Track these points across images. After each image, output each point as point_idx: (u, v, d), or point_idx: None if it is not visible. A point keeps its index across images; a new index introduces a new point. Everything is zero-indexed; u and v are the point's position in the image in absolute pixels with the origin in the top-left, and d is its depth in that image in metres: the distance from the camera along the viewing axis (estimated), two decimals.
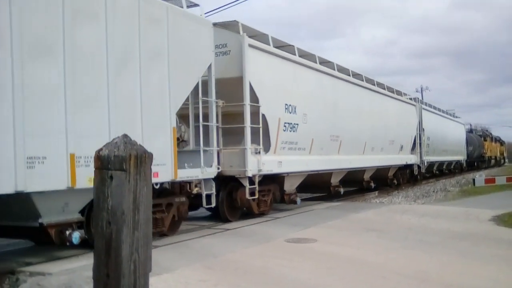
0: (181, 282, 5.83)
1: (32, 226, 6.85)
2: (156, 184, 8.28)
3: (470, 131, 49.47)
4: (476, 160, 47.75)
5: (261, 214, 12.03)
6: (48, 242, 7.26)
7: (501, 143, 70.96)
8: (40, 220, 6.76)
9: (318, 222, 10.91)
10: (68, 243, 7.08)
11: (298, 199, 13.59)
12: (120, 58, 7.64)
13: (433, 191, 22.08)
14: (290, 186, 13.34)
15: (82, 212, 7.35)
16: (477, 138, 49.77)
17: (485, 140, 54.08)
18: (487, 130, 65.69)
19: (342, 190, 16.89)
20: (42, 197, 6.64)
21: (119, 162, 2.61)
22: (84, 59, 7.06)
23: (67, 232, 7.05)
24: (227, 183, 11.24)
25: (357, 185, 19.51)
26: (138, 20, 8.09)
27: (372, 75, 18.79)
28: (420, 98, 26.23)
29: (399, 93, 22.84)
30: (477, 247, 8.26)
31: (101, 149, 2.68)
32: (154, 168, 7.19)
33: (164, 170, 8.41)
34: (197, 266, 6.67)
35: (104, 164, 2.62)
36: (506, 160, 75.32)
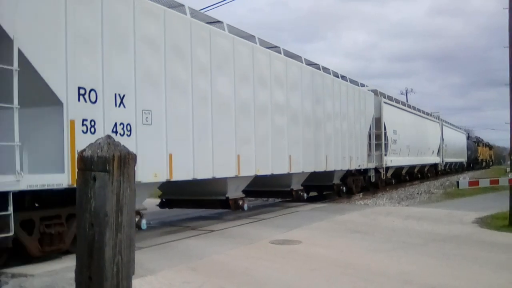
0: (165, 284, 5.80)
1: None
2: (362, 169, 19.86)
3: (467, 138, 56.37)
4: (472, 162, 58.23)
5: (377, 187, 22.48)
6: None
7: (490, 147, 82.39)
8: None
9: (302, 224, 10.93)
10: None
11: (393, 181, 25.14)
12: (353, 119, 18.54)
13: (417, 193, 22.22)
14: (390, 174, 24.32)
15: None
16: (473, 144, 60.82)
17: (478, 145, 67.10)
18: (479, 137, 76.89)
19: (407, 177, 29.06)
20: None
21: (102, 163, 2.53)
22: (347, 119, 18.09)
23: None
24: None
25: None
26: (359, 99, 19.36)
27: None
28: (440, 116, 38.22)
29: (430, 114, 34.99)
30: (460, 249, 8.33)
31: (84, 150, 2.58)
32: (359, 162, 19.72)
33: (363, 163, 19.56)
34: (181, 268, 6.65)
35: (87, 165, 2.55)
36: (492, 163, 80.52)
